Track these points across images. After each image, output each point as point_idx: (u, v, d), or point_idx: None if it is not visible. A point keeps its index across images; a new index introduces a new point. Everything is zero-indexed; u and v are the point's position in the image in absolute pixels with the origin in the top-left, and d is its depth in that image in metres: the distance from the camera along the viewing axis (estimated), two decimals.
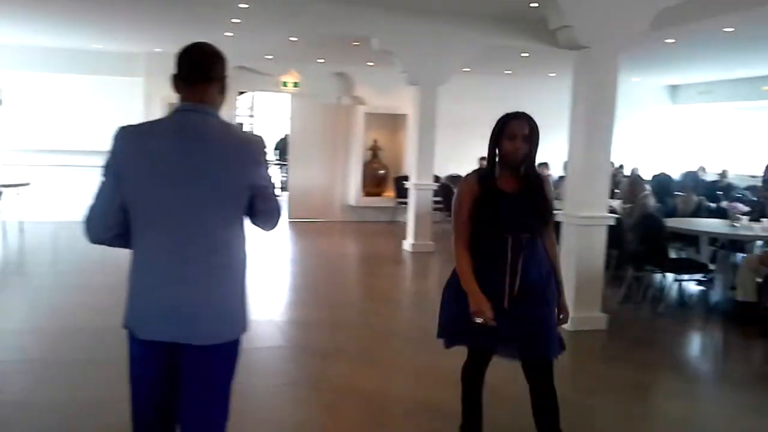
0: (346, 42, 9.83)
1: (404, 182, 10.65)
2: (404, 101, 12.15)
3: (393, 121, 13.24)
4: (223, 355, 2.24)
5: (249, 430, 3.66)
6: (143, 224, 2.16)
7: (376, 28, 8.74)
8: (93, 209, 2.19)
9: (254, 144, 2.26)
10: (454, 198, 3.06)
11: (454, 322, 3.14)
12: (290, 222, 12.51)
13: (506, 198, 2.91)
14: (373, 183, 13.21)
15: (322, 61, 12.24)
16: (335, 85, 13.07)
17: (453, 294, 3.11)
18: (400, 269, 9.07)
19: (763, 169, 9.87)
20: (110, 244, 2.24)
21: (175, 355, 2.18)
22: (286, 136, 14.44)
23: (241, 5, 7.63)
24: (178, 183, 2.11)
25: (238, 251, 2.27)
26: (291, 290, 7.62)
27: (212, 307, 2.18)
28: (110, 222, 2.17)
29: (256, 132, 16.32)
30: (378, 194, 13.24)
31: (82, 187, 4.30)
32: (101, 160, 2.21)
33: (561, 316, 3.08)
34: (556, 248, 3.12)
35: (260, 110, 17.46)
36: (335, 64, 12.48)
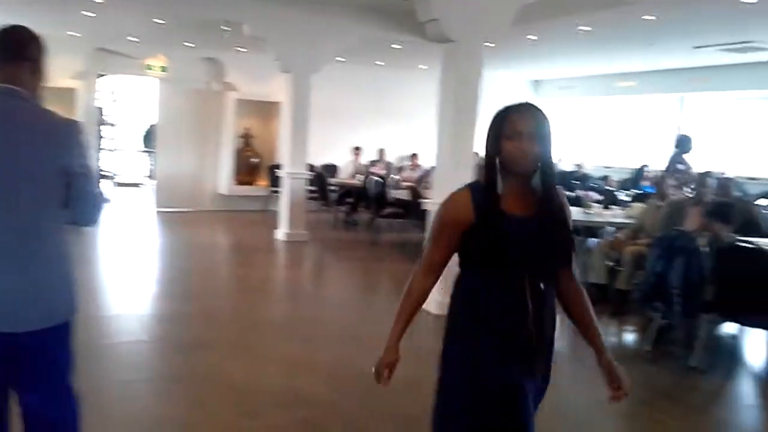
0: (216, 27, 9.49)
1: (277, 171, 10.51)
2: (277, 89, 11.96)
3: (266, 109, 13.00)
4: (53, 339, 2.23)
5: (107, 427, 3.46)
6: None
7: (247, 14, 8.52)
8: None
9: (66, 127, 2.21)
10: (434, 216, 2.24)
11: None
12: (158, 212, 12.01)
13: (517, 224, 2.05)
14: (245, 171, 12.93)
15: (192, 45, 11.77)
16: (205, 71, 12.66)
17: (459, 369, 2.15)
18: (272, 259, 8.95)
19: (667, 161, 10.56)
20: None
21: (10, 346, 2.14)
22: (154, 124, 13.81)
23: None
24: None
25: (57, 236, 2.23)
26: (157, 283, 7.29)
27: (33, 293, 2.15)
28: None
29: (111, 117, 15.57)
30: (250, 183, 12.97)
31: None
32: None
33: (619, 390, 2.17)
34: (586, 300, 2.26)
35: (125, 95, 16.52)
36: (205, 49, 12.06)
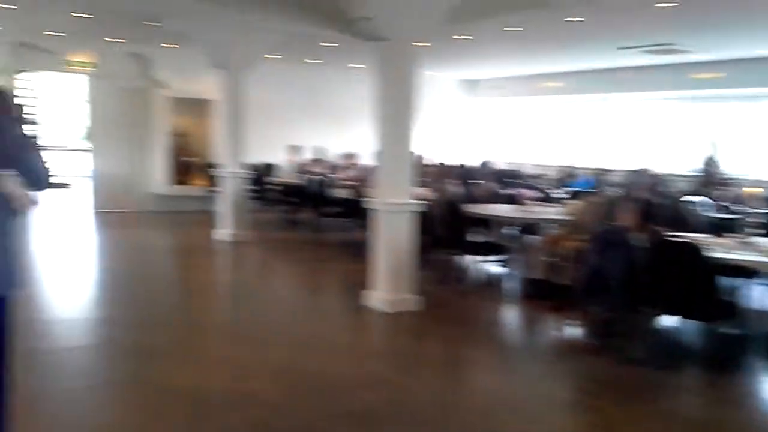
0: (141, 22, 9.18)
1: (213, 170, 10.33)
2: (210, 86, 11.72)
3: (199, 107, 12.74)
4: None
5: None
6: None
7: (169, 9, 8.14)
8: None
9: None
10: None
11: None
12: (96, 213, 11.67)
13: None
14: (181, 171, 12.68)
15: (121, 41, 11.38)
16: (133, 68, 12.28)
17: None
18: (214, 260, 8.81)
19: (703, 161, 10.94)
20: None
21: None
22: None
23: None
24: None
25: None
26: (97, 286, 7.09)
27: None
28: None
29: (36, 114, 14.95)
30: (188, 183, 12.71)
31: None
32: None
33: None
34: None
35: (49, 92, 15.85)
36: (132, 44, 11.63)
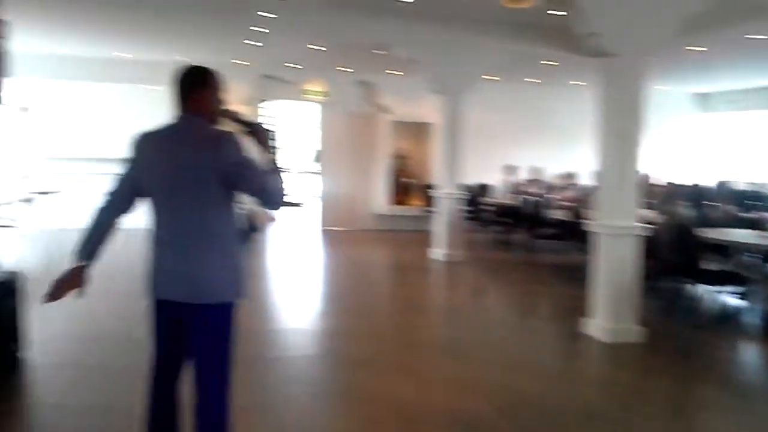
0: (370, 51, 9.84)
1: (431, 191, 10.63)
2: (430, 110, 12.15)
3: (419, 130, 13.26)
4: (215, 314, 2.69)
5: None
6: (154, 208, 2.71)
7: (398, 37, 8.73)
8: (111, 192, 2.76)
9: (219, 136, 2.66)
10: None
11: None
12: (323, 231, 12.66)
13: None
14: (400, 192, 13.26)
15: (348, 70, 12.29)
16: (361, 94, 13.13)
17: None
18: (429, 279, 9.03)
19: None
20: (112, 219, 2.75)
21: (183, 313, 2.70)
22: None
23: (260, 13, 7.68)
24: (170, 175, 2.62)
25: (223, 229, 2.70)
26: (323, 299, 7.63)
27: (202, 275, 2.65)
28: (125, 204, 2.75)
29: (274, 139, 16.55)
30: (405, 203, 13.26)
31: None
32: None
33: None
34: None
35: (288, 120, 17.48)
36: (360, 72, 12.54)
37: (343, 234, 12.50)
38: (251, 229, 11.04)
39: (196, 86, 2.74)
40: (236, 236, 2.78)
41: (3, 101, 4.99)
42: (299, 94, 12.97)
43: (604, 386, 4.84)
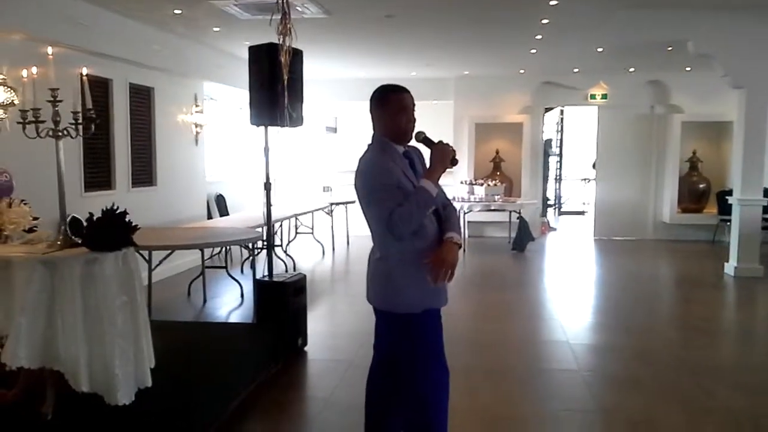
0: (658, 48, 9.22)
1: (726, 197, 9.53)
2: (728, 107, 10.91)
3: (715, 130, 11.96)
4: (389, 321, 3.10)
5: None
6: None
7: (691, 31, 8.09)
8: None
9: (360, 164, 2.96)
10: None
11: None
12: (596, 240, 12.16)
13: None
14: (690, 198, 12.08)
15: (633, 70, 11.63)
16: (647, 95, 12.33)
17: None
18: (718, 296, 8.11)
19: None
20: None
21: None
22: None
23: (543, 21, 7.66)
24: None
25: (382, 247, 2.95)
26: (591, 312, 7.33)
27: (370, 281, 3.11)
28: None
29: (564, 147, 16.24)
30: (696, 210, 12.07)
31: None
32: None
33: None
34: None
35: (569, 126, 17.08)
36: (647, 71, 11.77)
37: (620, 243, 11.84)
38: (527, 238, 11.02)
39: (371, 107, 3.02)
40: (391, 254, 3.05)
41: (303, 122, 5.72)
42: (583, 99, 12.62)
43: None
